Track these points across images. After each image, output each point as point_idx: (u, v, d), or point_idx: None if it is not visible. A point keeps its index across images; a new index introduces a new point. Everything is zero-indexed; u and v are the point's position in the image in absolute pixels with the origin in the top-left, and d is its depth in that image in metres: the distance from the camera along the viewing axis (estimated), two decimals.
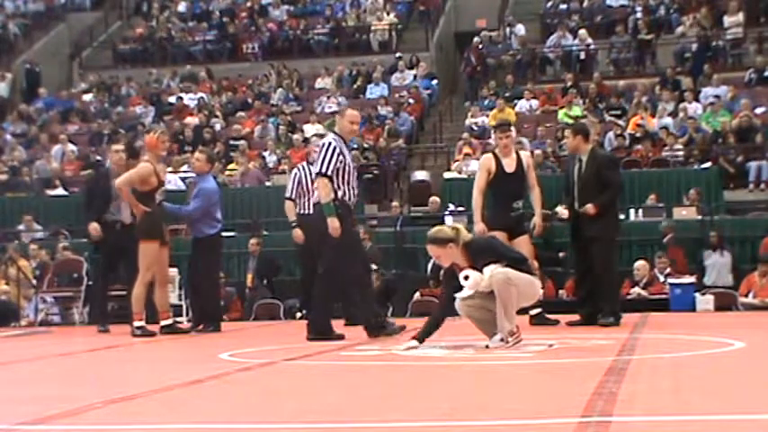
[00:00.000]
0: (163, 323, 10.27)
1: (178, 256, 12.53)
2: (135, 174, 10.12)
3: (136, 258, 10.76)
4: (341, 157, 8.64)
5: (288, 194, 11.39)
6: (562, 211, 9.90)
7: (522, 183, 10.07)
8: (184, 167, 19.20)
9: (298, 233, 11.26)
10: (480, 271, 7.17)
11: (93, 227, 11.03)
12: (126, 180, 10.11)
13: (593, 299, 9.81)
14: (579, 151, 9.88)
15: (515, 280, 7.19)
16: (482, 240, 7.46)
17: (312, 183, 10.57)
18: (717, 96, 19.94)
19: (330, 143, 8.69)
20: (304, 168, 11.30)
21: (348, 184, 8.70)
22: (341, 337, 8.77)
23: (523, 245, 9.98)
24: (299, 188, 11.24)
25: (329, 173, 8.58)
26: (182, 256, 12.35)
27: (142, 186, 10.07)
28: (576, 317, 10.02)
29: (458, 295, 7.25)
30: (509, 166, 10.03)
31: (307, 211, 11.02)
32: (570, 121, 18.89)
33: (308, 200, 10.98)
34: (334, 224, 8.53)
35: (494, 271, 7.15)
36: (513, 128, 10.65)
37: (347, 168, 8.70)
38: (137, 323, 10.03)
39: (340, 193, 8.65)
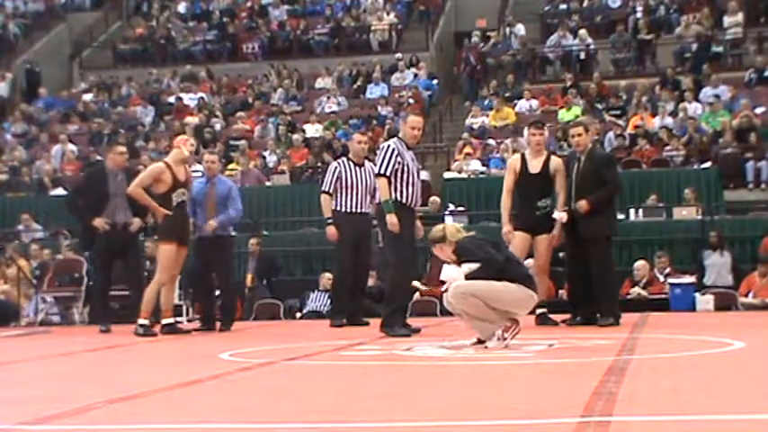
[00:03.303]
0: (164, 322, 10.28)
1: None
2: (146, 175, 10.17)
3: (134, 258, 10.77)
4: (399, 159, 9.11)
5: (325, 188, 10.94)
6: (561, 215, 9.85)
7: (547, 183, 10.07)
8: None
9: (332, 231, 10.82)
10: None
11: (99, 221, 10.97)
12: (137, 182, 10.15)
13: (592, 299, 9.80)
14: (583, 149, 9.86)
15: (474, 291, 7.25)
16: (467, 241, 7.50)
17: (356, 179, 10.80)
18: (717, 96, 19.94)
19: (390, 146, 9.23)
20: (344, 163, 10.97)
21: (407, 185, 9.14)
22: (418, 331, 9.05)
23: (541, 245, 10.03)
24: (337, 183, 10.83)
25: (387, 173, 9.07)
26: None
27: (157, 187, 10.09)
28: (567, 316, 10.03)
29: (442, 289, 7.53)
30: (535, 167, 10.06)
31: (344, 209, 10.80)
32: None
33: (347, 196, 10.79)
34: (392, 220, 8.98)
35: (454, 285, 7.33)
36: (546, 127, 10.69)
37: (405, 170, 9.14)
38: (141, 321, 10.05)
39: (396, 195, 9.06)
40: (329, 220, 10.88)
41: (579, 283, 9.96)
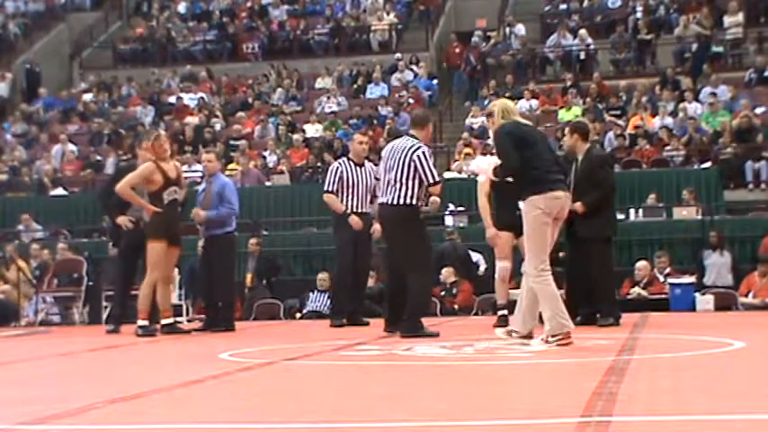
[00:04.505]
0: (163, 322, 10.28)
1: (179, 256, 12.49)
2: (135, 175, 10.13)
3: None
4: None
5: (328, 188, 10.85)
6: None
7: None
8: (184, 167, 19.18)
9: (355, 219, 10.59)
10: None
11: (123, 219, 10.96)
12: (125, 182, 10.12)
13: (592, 299, 9.79)
14: (577, 150, 9.85)
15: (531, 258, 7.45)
16: (500, 130, 7.57)
17: (356, 179, 10.68)
18: (714, 94, 19.91)
19: (426, 152, 8.90)
20: (345, 163, 10.90)
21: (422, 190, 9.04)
22: (437, 334, 8.76)
23: None
24: (338, 183, 10.78)
25: (437, 179, 9.02)
26: (181, 256, 12.30)
27: (148, 186, 10.08)
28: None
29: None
30: None
31: (345, 208, 10.76)
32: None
33: (348, 196, 10.73)
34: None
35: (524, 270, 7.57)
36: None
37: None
38: (140, 322, 10.05)
39: (415, 200, 8.86)
40: (348, 213, 10.78)
41: (579, 284, 9.95)
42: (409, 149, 8.80)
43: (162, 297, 10.27)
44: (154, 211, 10.00)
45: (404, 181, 8.77)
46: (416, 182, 8.81)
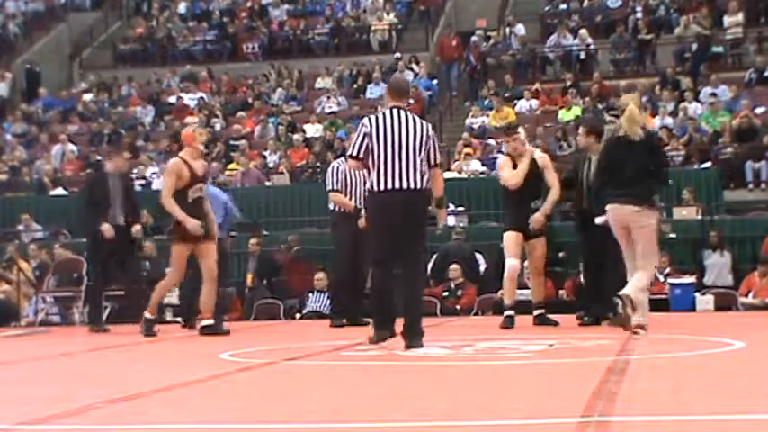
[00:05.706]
0: (204, 323, 9.95)
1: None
2: (171, 179, 9.71)
3: (129, 260, 10.73)
4: None
5: (333, 187, 10.84)
6: (601, 219, 9.44)
7: (538, 184, 9.94)
8: None
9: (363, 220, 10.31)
10: None
11: (106, 227, 10.93)
12: (168, 191, 9.71)
13: (603, 300, 9.60)
14: (590, 151, 9.75)
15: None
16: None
17: (355, 179, 10.56)
18: (714, 94, 19.90)
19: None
20: (344, 163, 10.52)
21: None
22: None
23: (538, 247, 9.97)
24: (340, 182, 10.82)
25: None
26: None
27: (176, 184, 9.71)
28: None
29: None
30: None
31: (343, 208, 10.78)
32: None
33: (347, 195, 10.76)
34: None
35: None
36: (520, 129, 10.47)
37: None
38: (147, 315, 9.91)
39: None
40: (359, 208, 10.62)
41: (592, 284, 9.90)
42: (426, 129, 7.95)
43: (207, 297, 9.84)
44: (183, 222, 9.63)
45: (425, 164, 7.90)
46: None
